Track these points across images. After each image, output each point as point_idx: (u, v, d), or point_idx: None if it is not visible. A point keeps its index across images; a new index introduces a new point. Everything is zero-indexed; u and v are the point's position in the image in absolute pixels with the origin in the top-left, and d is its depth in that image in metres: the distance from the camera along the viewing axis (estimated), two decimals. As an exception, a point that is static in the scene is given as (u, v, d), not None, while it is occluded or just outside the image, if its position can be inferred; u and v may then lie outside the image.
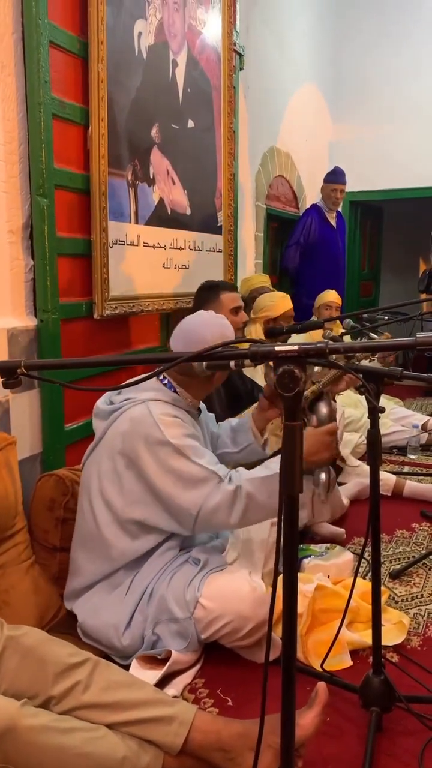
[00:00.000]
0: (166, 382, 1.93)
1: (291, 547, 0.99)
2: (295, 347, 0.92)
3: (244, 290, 3.76)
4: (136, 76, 2.66)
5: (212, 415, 2.25)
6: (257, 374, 3.09)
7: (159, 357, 1.56)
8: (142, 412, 1.82)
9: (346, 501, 2.96)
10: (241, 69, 3.84)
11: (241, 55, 3.81)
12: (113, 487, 1.84)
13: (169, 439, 1.77)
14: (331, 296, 4.31)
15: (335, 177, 5.19)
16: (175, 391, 1.93)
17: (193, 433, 1.86)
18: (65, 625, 1.92)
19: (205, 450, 1.85)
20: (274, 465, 1.84)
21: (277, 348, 0.93)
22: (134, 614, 1.81)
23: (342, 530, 2.71)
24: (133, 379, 1.20)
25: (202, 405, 2.15)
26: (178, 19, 3.00)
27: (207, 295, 2.73)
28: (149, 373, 1.13)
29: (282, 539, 0.97)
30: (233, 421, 2.26)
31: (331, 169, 5.34)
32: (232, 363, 1.15)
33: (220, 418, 2.69)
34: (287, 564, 0.99)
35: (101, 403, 1.95)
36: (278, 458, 1.87)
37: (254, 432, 2.14)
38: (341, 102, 6.48)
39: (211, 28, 3.34)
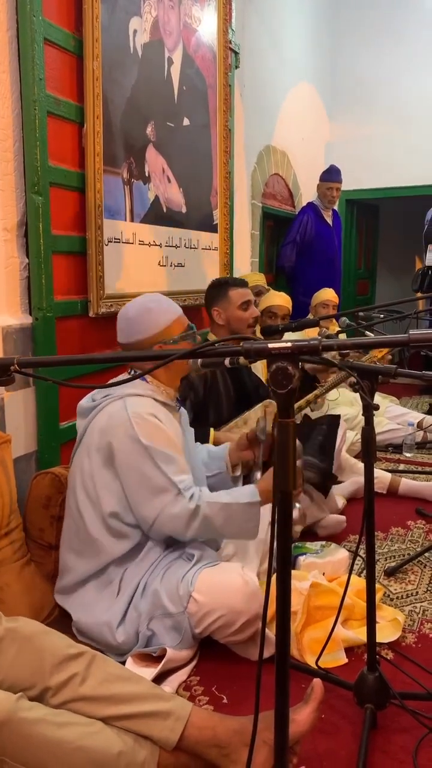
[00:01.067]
0: (144, 379, 1.95)
1: (285, 544, 0.99)
2: (289, 344, 0.92)
3: None
4: (131, 74, 2.66)
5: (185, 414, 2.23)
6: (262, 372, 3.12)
7: (152, 354, 1.56)
8: (118, 408, 1.85)
9: (342, 501, 2.96)
10: (236, 67, 3.84)
11: (236, 53, 3.81)
12: (94, 483, 1.87)
13: (139, 437, 1.80)
14: (328, 294, 4.32)
15: (331, 175, 5.19)
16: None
17: (167, 435, 1.86)
18: (60, 624, 1.91)
19: (174, 456, 1.84)
20: (237, 493, 1.87)
21: (270, 345, 0.93)
22: (128, 610, 1.82)
23: (343, 517, 2.72)
24: (116, 379, 1.21)
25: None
26: (174, 17, 3.00)
27: (216, 291, 2.75)
28: (131, 375, 1.13)
29: (275, 535, 0.98)
30: (211, 447, 2.31)
31: (327, 167, 5.34)
32: (226, 360, 1.16)
33: (227, 414, 2.69)
34: (281, 560, 0.99)
35: (84, 401, 1.97)
36: (244, 487, 1.86)
37: (227, 464, 2.20)
38: (337, 100, 6.48)
39: (207, 25, 3.34)
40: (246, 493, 1.87)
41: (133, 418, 1.81)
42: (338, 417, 3.00)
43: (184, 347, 1.92)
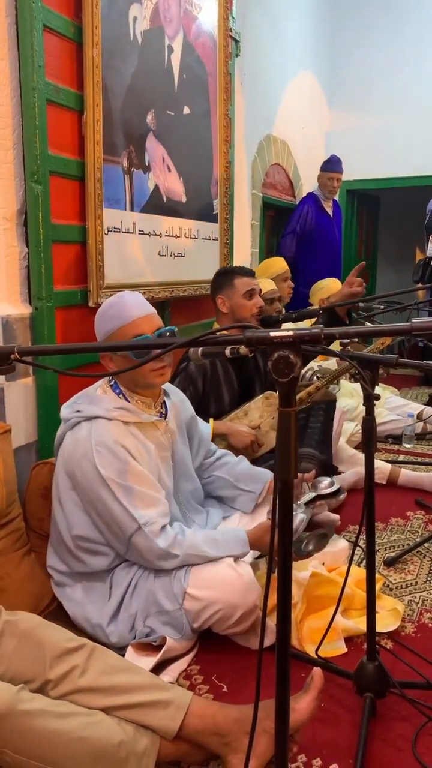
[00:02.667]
0: (117, 390, 1.88)
1: (285, 534, 0.99)
2: (290, 332, 0.92)
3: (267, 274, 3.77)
4: (131, 62, 2.64)
5: (185, 399, 2.17)
6: None
7: (150, 343, 1.55)
8: (83, 435, 1.79)
9: (342, 495, 2.97)
10: (237, 55, 3.81)
11: (237, 41, 3.78)
12: (62, 503, 1.86)
13: (99, 469, 1.75)
14: (339, 285, 4.27)
15: (332, 165, 5.17)
16: (126, 399, 1.87)
17: (131, 467, 1.77)
18: (60, 614, 1.92)
19: (137, 489, 1.76)
20: (224, 541, 1.82)
21: (272, 333, 0.92)
22: (119, 612, 1.81)
23: (337, 516, 2.71)
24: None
25: (175, 395, 2.11)
26: (174, 4, 2.97)
27: (222, 280, 2.74)
28: (114, 371, 1.11)
29: (276, 525, 0.97)
30: (250, 468, 2.27)
31: (327, 157, 5.32)
32: (227, 350, 1.15)
33: (229, 405, 2.68)
34: (282, 550, 0.99)
35: (64, 409, 1.90)
36: (233, 534, 1.84)
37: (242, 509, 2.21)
38: (338, 90, 6.44)
39: (207, 13, 3.31)
40: (235, 544, 1.83)
41: (95, 447, 1.75)
42: (334, 402, 2.98)
43: (124, 358, 1.81)
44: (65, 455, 1.84)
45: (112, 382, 1.90)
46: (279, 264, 3.95)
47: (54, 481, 1.91)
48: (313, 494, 2.26)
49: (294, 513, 2.03)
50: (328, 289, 4.23)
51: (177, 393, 2.13)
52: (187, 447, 2.10)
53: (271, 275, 3.76)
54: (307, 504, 2.20)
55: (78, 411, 1.84)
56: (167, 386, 2.08)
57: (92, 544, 1.84)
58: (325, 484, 2.32)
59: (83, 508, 1.82)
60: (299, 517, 1.88)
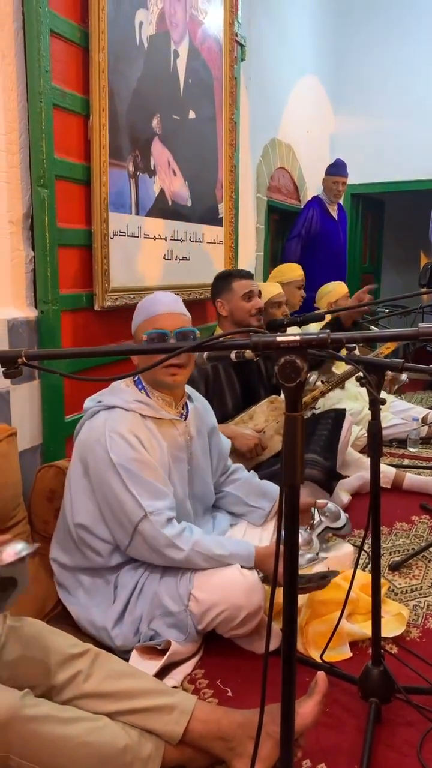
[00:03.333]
0: (140, 385, 1.92)
1: (292, 539, 0.99)
2: (297, 337, 0.92)
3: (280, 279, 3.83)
4: (137, 66, 2.65)
5: (210, 409, 2.19)
6: None
7: (159, 347, 1.55)
8: (100, 422, 1.83)
9: (347, 497, 2.97)
10: (242, 60, 3.82)
11: (242, 46, 3.79)
12: (72, 489, 1.88)
13: (110, 455, 1.76)
14: (345, 288, 4.27)
15: (337, 169, 5.17)
16: (147, 394, 1.90)
17: (142, 457, 1.79)
18: (64, 616, 1.92)
19: (146, 480, 1.77)
20: (232, 549, 1.82)
21: (278, 338, 0.93)
22: (124, 615, 1.81)
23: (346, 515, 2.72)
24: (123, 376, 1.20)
25: (199, 401, 2.13)
26: (180, 9, 2.98)
27: (221, 283, 2.76)
28: (124, 374, 1.13)
29: (283, 530, 0.97)
30: (261, 483, 2.26)
31: (332, 161, 5.32)
32: (232, 354, 1.15)
33: (232, 409, 2.68)
34: (288, 554, 0.99)
35: (87, 400, 1.94)
36: (242, 545, 1.83)
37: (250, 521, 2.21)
38: (343, 94, 6.45)
39: (213, 18, 3.32)
40: (242, 554, 1.82)
41: (109, 433, 1.78)
42: (344, 411, 2.98)
43: (146, 354, 1.82)
44: (81, 442, 1.86)
45: (137, 377, 1.92)
46: (295, 271, 4.01)
47: (68, 469, 1.93)
48: (324, 525, 2.27)
49: (302, 553, 2.04)
50: (335, 292, 4.23)
51: (201, 400, 2.16)
52: (206, 454, 2.11)
53: (285, 281, 3.82)
54: (318, 535, 2.22)
55: (99, 401, 1.89)
56: (192, 392, 2.11)
57: (91, 536, 1.84)
58: (333, 515, 2.31)
59: (91, 496, 1.84)
60: (306, 557, 1.87)
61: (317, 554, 1.88)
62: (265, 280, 4.90)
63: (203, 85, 3.27)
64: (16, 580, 1.23)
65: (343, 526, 2.25)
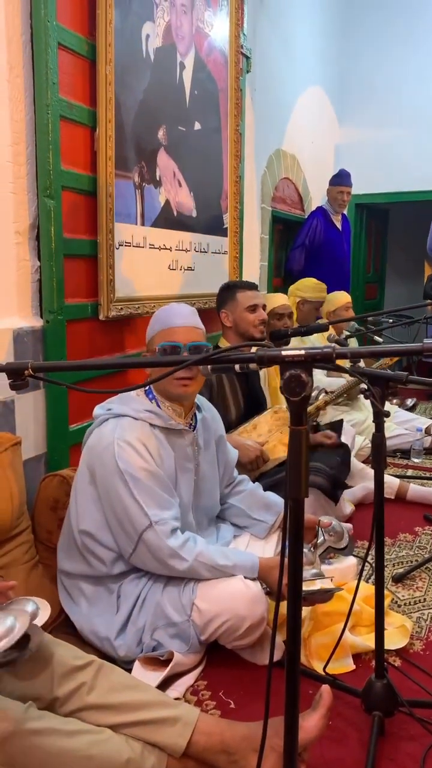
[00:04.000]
0: (151, 395, 1.93)
1: (296, 550, 0.99)
2: (302, 351, 0.92)
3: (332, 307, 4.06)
4: (143, 78, 2.67)
5: (218, 417, 2.20)
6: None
7: (165, 360, 1.56)
8: (109, 429, 1.83)
9: (350, 507, 2.96)
10: (248, 71, 3.84)
11: (248, 58, 3.82)
12: (77, 496, 1.88)
13: (118, 462, 1.77)
14: (347, 297, 4.28)
15: (341, 179, 5.19)
16: (158, 404, 1.91)
17: (149, 467, 1.79)
18: (67, 626, 1.92)
19: (153, 489, 1.78)
20: (235, 561, 1.82)
21: (283, 352, 0.93)
22: (127, 625, 1.81)
23: (349, 525, 2.71)
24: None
25: (208, 410, 2.14)
26: (186, 22, 3.01)
27: (225, 295, 2.77)
28: (131, 387, 1.14)
29: (288, 544, 0.98)
30: (265, 494, 2.25)
31: (336, 171, 5.34)
32: (237, 366, 1.16)
33: (236, 419, 2.69)
34: (292, 566, 0.99)
35: (97, 407, 1.95)
36: (246, 557, 1.82)
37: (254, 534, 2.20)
38: (347, 104, 6.48)
39: (219, 30, 3.35)
40: (246, 565, 1.82)
41: (117, 441, 1.78)
42: (349, 453, 2.96)
43: (154, 367, 1.85)
44: (89, 449, 1.87)
45: (148, 387, 1.94)
46: (344, 297, 4.20)
47: (75, 477, 1.93)
48: (327, 545, 2.27)
49: (305, 569, 2.03)
50: (334, 302, 4.26)
51: (210, 410, 2.16)
52: (213, 464, 2.11)
53: (336, 307, 4.11)
54: (320, 555, 2.21)
55: (109, 409, 1.89)
56: (201, 401, 2.11)
57: (95, 543, 1.84)
58: (338, 534, 2.31)
59: (97, 503, 1.84)
60: (311, 572, 1.87)
61: (320, 571, 1.88)
62: (269, 290, 4.92)
63: (209, 97, 3.30)
64: (29, 636, 1.27)
65: (346, 546, 2.25)
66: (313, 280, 4.17)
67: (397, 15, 6.22)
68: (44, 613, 1.31)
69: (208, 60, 3.25)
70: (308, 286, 4.05)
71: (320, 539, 2.24)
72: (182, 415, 1.95)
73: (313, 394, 3.01)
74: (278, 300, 3.28)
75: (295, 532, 0.97)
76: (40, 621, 1.29)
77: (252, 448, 2.53)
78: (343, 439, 3.09)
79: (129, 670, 1.74)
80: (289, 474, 0.93)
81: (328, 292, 4.39)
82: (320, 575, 1.81)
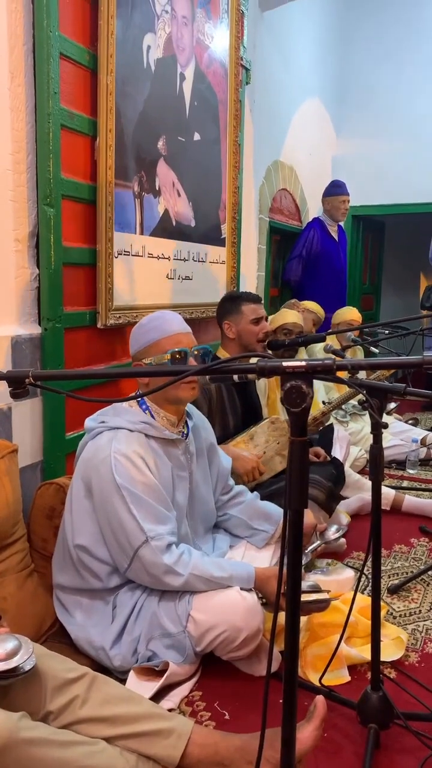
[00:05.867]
0: (144, 406, 1.92)
1: (295, 564, 0.99)
2: (303, 363, 0.93)
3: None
4: (144, 89, 2.69)
5: (208, 425, 2.20)
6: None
7: (165, 370, 1.56)
8: (105, 442, 1.82)
9: (346, 518, 2.96)
10: (247, 83, 3.87)
11: (247, 70, 3.85)
12: (73, 510, 1.87)
13: (115, 476, 1.76)
14: (353, 314, 4.28)
15: (341, 189, 5.22)
16: (152, 415, 1.91)
17: (147, 480, 1.79)
18: (63, 634, 1.91)
19: (149, 503, 1.77)
20: (231, 572, 1.81)
21: (284, 363, 0.94)
22: (122, 635, 1.80)
23: (344, 540, 2.71)
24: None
25: (198, 418, 2.13)
26: (187, 34, 3.03)
27: (229, 306, 2.75)
28: (131, 396, 1.13)
29: (286, 555, 0.98)
30: (265, 505, 2.25)
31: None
32: (235, 376, 1.16)
33: (233, 429, 2.68)
34: (291, 579, 0.99)
35: (89, 420, 1.94)
36: (242, 568, 1.82)
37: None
38: (345, 117, 6.53)
39: (219, 42, 3.38)
40: (242, 576, 1.81)
41: (114, 454, 1.77)
42: (342, 465, 2.96)
43: (153, 376, 1.84)
44: (85, 462, 1.85)
45: (143, 405, 1.93)
46: (350, 314, 4.26)
47: (69, 489, 1.92)
48: (318, 542, 2.28)
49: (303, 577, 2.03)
50: (339, 316, 4.35)
51: (200, 417, 2.16)
52: (206, 472, 2.11)
53: (339, 321, 4.18)
54: (311, 551, 2.22)
55: (102, 422, 1.88)
56: (191, 408, 2.11)
57: (90, 557, 1.83)
58: (333, 531, 2.33)
59: (93, 517, 1.83)
60: (307, 583, 1.87)
61: (315, 583, 1.87)
62: (266, 299, 4.94)
63: (208, 108, 3.32)
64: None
65: (338, 537, 2.26)
66: (343, 308, 4.40)
67: (395, 28, 6.29)
68: (25, 651, 1.29)
69: (208, 71, 3.28)
70: (307, 306, 4.14)
71: (315, 543, 2.24)
72: (175, 424, 1.95)
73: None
74: (290, 317, 3.27)
75: (294, 543, 0.97)
76: (18, 661, 1.27)
77: (248, 459, 2.53)
78: (338, 444, 3.08)
79: (124, 680, 1.74)
80: (289, 485, 0.94)
81: (324, 303, 4.42)
82: (316, 588, 1.80)
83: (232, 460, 2.50)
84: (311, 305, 4.20)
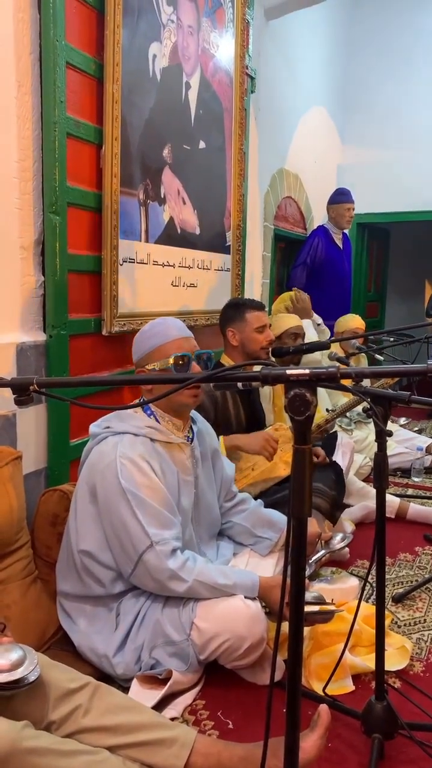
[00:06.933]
0: (148, 411, 1.93)
1: (298, 570, 0.99)
2: (307, 371, 0.93)
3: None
4: (149, 98, 2.70)
5: (212, 431, 2.19)
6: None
7: (169, 377, 1.56)
8: (110, 447, 1.82)
9: (351, 526, 2.95)
10: (252, 92, 3.89)
11: (252, 78, 3.87)
12: (77, 515, 1.87)
13: (120, 479, 1.76)
14: (357, 322, 4.27)
15: (347, 197, 5.22)
16: (157, 419, 1.91)
17: (152, 484, 1.79)
18: (66, 642, 1.91)
19: (154, 508, 1.77)
20: (236, 580, 1.80)
21: (288, 371, 0.94)
22: (126, 643, 1.80)
23: (347, 549, 2.69)
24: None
25: (202, 423, 2.14)
26: (192, 43, 3.05)
27: (232, 313, 2.75)
28: (135, 403, 1.14)
29: (290, 563, 0.97)
30: (269, 512, 2.25)
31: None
32: (239, 384, 1.16)
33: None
34: (294, 587, 0.99)
35: (94, 426, 1.94)
36: (246, 576, 1.81)
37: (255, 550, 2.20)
38: (350, 125, 6.55)
39: (224, 51, 3.39)
40: (246, 584, 1.80)
41: (119, 459, 1.78)
42: (341, 470, 2.95)
43: (158, 384, 1.85)
44: (90, 467, 1.86)
45: (148, 411, 1.93)
46: (353, 322, 4.25)
47: (74, 495, 1.92)
48: (323, 551, 2.27)
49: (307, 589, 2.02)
50: (342, 324, 4.33)
51: (204, 423, 2.16)
52: (211, 477, 2.11)
53: (344, 330, 4.16)
54: (315, 560, 2.21)
55: (107, 427, 1.88)
56: (195, 414, 2.12)
57: (94, 563, 1.83)
58: (338, 540, 2.32)
59: (98, 522, 1.83)
60: (312, 594, 1.86)
61: (319, 594, 1.87)
62: (270, 306, 4.94)
63: (214, 116, 3.33)
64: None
65: (343, 546, 2.25)
66: (346, 316, 4.37)
67: (401, 37, 6.31)
68: (30, 662, 1.29)
69: (213, 80, 3.29)
70: (345, 320, 4.22)
71: (319, 553, 2.23)
72: (181, 429, 1.96)
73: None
74: (291, 321, 3.27)
75: (297, 551, 0.96)
76: (23, 672, 1.27)
77: (256, 435, 2.48)
78: (341, 450, 3.07)
79: (127, 688, 1.73)
80: (293, 493, 0.93)
81: (329, 310, 4.42)
82: (321, 599, 1.79)
83: (243, 446, 2.47)
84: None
